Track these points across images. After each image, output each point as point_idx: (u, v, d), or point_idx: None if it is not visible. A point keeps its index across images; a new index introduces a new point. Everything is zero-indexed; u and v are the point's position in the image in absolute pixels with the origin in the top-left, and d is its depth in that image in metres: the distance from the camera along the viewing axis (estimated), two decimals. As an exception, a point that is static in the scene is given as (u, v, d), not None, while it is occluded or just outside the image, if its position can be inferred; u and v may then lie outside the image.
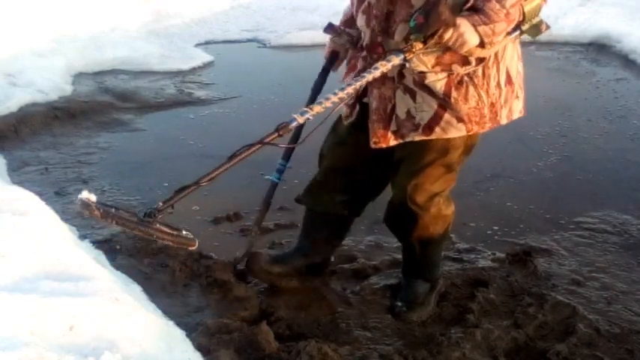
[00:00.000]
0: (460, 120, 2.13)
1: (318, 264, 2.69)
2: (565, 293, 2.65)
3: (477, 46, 1.99)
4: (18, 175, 3.68)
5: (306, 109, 1.99)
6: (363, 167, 2.39)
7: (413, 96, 2.13)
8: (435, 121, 2.12)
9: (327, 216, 2.55)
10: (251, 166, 3.77)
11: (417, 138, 2.16)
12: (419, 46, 2.00)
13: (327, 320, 2.48)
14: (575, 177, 3.75)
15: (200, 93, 5.18)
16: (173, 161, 3.94)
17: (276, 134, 1.96)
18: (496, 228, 3.17)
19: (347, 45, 2.35)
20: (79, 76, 5.48)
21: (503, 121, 2.23)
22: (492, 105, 2.16)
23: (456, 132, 2.15)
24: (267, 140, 1.97)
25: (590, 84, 5.47)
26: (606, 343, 2.37)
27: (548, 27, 2.11)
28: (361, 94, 2.26)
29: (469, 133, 2.18)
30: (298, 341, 2.24)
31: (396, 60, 2.01)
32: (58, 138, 4.27)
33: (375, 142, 2.21)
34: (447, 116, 2.12)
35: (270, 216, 3.22)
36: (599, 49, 6.48)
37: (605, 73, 5.78)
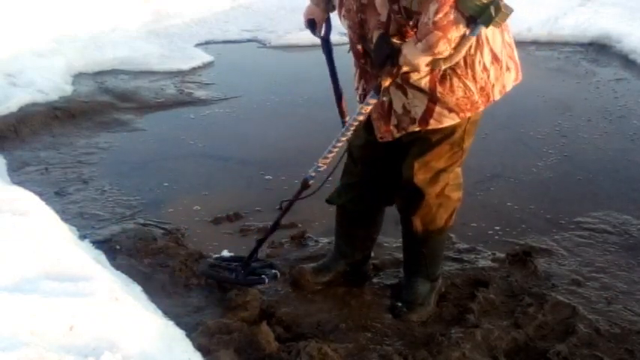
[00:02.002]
0: (451, 110, 2.16)
1: (359, 261, 2.71)
2: (565, 293, 2.65)
3: (433, 63, 1.98)
4: (18, 175, 3.68)
5: (317, 164, 2.29)
6: (384, 158, 2.42)
7: (404, 92, 2.19)
8: (428, 113, 2.18)
9: (362, 211, 2.57)
10: (251, 167, 3.80)
11: (417, 129, 2.22)
12: (387, 81, 2.07)
13: (327, 320, 2.48)
14: (575, 177, 3.75)
15: (200, 93, 5.18)
16: (173, 161, 3.94)
17: (303, 189, 2.33)
18: (496, 228, 3.17)
19: (322, 7, 2.44)
20: (79, 76, 5.48)
21: (497, 97, 2.23)
22: (482, 89, 2.16)
23: (451, 121, 2.19)
24: (300, 197, 2.38)
25: (590, 84, 5.47)
26: (606, 343, 2.37)
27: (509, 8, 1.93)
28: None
29: (465, 119, 2.21)
30: (298, 341, 2.24)
31: (373, 100, 2.14)
32: (58, 138, 4.27)
33: (381, 138, 2.30)
34: (437, 109, 2.16)
35: (270, 216, 3.22)
36: (599, 49, 6.48)
37: (605, 73, 5.78)
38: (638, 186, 3.65)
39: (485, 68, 2.14)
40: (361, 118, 2.16)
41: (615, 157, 4.03)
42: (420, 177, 2.31)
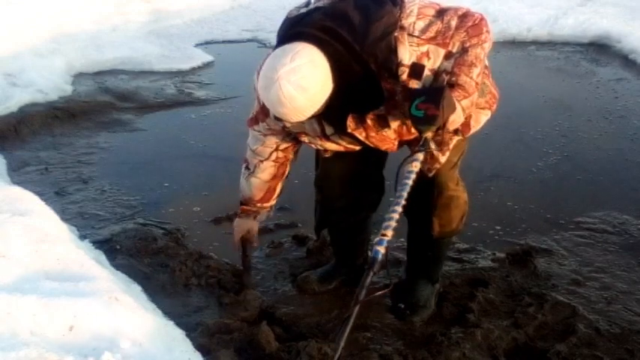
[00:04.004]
0: (484, 108, 2.18)
1: (361, 265, 2.70)
2: (565, 293, 2.65)
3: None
4: (18, 175, 3.68)
5: (382, 237, 1.93)
6: (364, 166, 2.39)
7: None
8: (468, 120, 2.14)
9: (347, 223, 2.56)
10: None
11: (459, 137, 2.18)
12: (430, 135, 2.00)
13: (327, 320, 2.48)
14: (575, 177, 3.75)
15: (200, 93, 5.18)
16: (173, 161, 3.94)
17: (373, 272, 1.91)
18: (496, 228, 3.17)
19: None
20: (79, 76, 5.48)
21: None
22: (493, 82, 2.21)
23: (485, 117, 2.21)
24: (367, 283, 1.91)
25: (590, 84, 5.47)
26: (606, 343, 2.37)
27: None
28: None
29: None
30: (298, 341, 2.24)
31: (421, 155, 2.03)
32: (58, 138, 4.27)
33: (429, 170, 2.20)
34: (475, 113, 2.15)
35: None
36: (599, 49, 6.48)
37: (605, 73, 5.78)
38: (638, 186, 3.65)
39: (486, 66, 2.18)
40: (413, 176, 2.02)
41: (615, 157, 4.02)
42: (444, 170, 2.26)
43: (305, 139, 2.22)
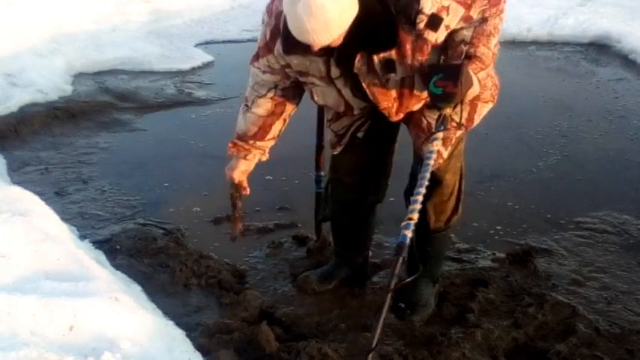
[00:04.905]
0: (487, 102, 2.20)
1: (361, 265, 2.72)
2: (565, 293, 2.65)
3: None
4: (18, 175, 3.68)
5: (408, 221, 1.93)
6: (372, 160, 2.41)
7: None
8: (472, 113, 2.17)
9: (353, 217, 2.56)
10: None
11: (463, 131, 2.20)
12: (449, 111, 2.04)
13: (327, 320, 2.48)
14: (575, 177, 3.75)
15: (200, 93, 5.18)
16: (173, 161, 3.94)
17: (399, 256, 1.91)
18: (497, 228, 3.17)
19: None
20: (79, 76, 5.48)
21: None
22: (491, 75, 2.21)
23: (487, 109, 2.22)
24: (397, 269, 1.92)
25: (590, 84, 5.47)
26: (606, 343, 2.37)
27: None
28: (354, 130, 2.30)
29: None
30: (298, 341, 2.24)
31: (441, 134, 2.05)
32: (58, 138, 4.27)
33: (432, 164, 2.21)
34: (479, 106, 2.18)
35: (270, 216, 3.24)
36: (599, 49, 6.48)
37: (605, 73, 5.78)
38: (638, 186, 3.65)
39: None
40: (434, 155, 2.05)
41: (615, 157, 4.02)
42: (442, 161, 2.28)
43: (307, 81, 2.16)
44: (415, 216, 1.94)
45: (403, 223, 1.94)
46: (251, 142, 2.35)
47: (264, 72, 2.25)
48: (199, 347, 2.09)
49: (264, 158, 2.42)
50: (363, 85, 2.07)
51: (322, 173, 2.69)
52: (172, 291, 2.63)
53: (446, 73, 1.91)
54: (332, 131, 2.37)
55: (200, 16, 7.53)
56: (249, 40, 6.90)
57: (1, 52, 5.25)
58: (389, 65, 2.01)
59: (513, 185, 3.64)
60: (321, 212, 2.72)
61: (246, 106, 2.36)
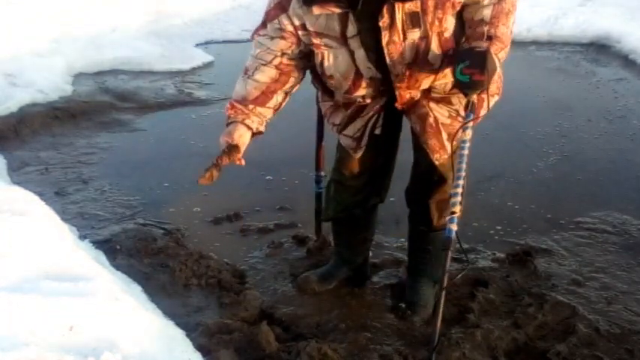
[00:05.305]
0: (493, 95, 2.18)
1: (361, 264, 2.72)
2: (565, 293, 2.65)
3: None
4: (18, 175, 3.69)
5: (452, 215, 2.01)
6: (384, 159, 2.41)
7: (448, 102, 2.19)
8: (478, 107, 2.15)
9: (354, 217, 2.56)
10: (251, 167, 3.79)
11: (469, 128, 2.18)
12: (475, 97, 2.04)
13: (327, 320, 2.48)
14: (575, 177, 3.75)
15: (200, 93, 5.18)
16: (173, 161, 3.94)
17: (447, 250, 1.99)
18: (497, 228, 3.17)
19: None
20: (79, 76, 5.48)
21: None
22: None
23: (492, 102, 2.20)
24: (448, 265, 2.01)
25: (590, 84, 5.47)
26: (606, 343, 2.36)
27: None
28: (371, 129, 2.27)
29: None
30: (298, 341, 2.25)
31: (471, 123, 2.06)
32: (58, 138, 4.27)
33: (437, 159, 2.24)
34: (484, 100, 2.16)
35: (270, 216, 3.24)
36: (599, 49, 6.48)
37: (605, 73, 5.78)
38: (638, 186, 3.65)
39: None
40: (468, 144, 2.05)
41: (615, 157, 4.02)
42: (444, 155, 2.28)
43: (321, 42, 2.08)
44: (457, 209, 2.01)
45: (447, 218, 2.02)
46: (251, 106, 2.19)
47: (272, 38, 2.16)
48: (199, 347, 2.09)
49: (262, 129, 2.23)
50: (383, 42, 2.00)
51: (322, 173, 2.69)
52: (172, 291, 2.63)
53: (472, 60, 1.91)
54: (346, 137, 2.31)
55: (200, 16, 7.53)
56: (249, 40, 6.87)
57: (1, 52, 5.26)
58: (414, 19, 1.99)
59: (513, 185, 3.64)
60: (322, 213, 2.72)
61: (247, 74, 2.24)
